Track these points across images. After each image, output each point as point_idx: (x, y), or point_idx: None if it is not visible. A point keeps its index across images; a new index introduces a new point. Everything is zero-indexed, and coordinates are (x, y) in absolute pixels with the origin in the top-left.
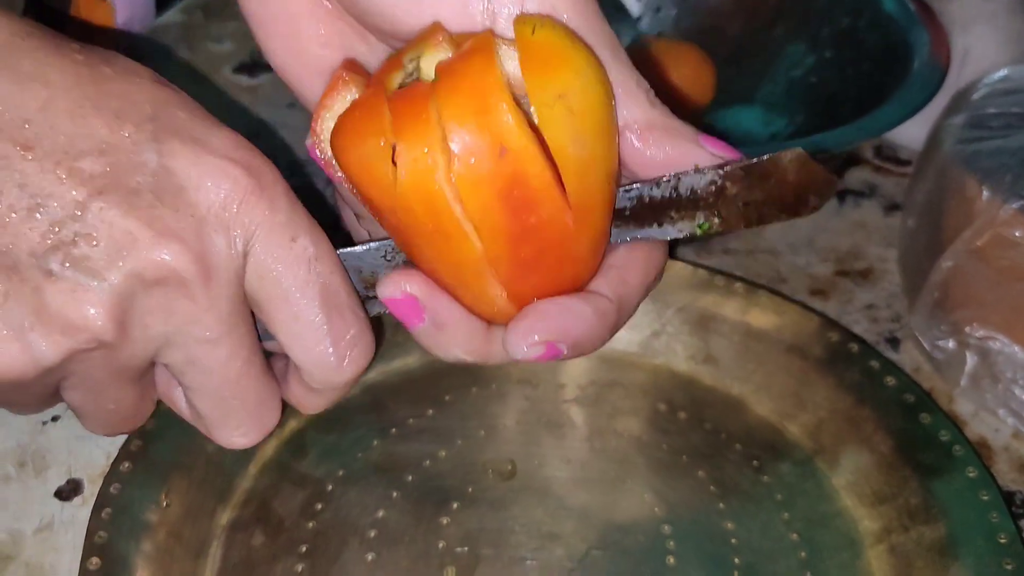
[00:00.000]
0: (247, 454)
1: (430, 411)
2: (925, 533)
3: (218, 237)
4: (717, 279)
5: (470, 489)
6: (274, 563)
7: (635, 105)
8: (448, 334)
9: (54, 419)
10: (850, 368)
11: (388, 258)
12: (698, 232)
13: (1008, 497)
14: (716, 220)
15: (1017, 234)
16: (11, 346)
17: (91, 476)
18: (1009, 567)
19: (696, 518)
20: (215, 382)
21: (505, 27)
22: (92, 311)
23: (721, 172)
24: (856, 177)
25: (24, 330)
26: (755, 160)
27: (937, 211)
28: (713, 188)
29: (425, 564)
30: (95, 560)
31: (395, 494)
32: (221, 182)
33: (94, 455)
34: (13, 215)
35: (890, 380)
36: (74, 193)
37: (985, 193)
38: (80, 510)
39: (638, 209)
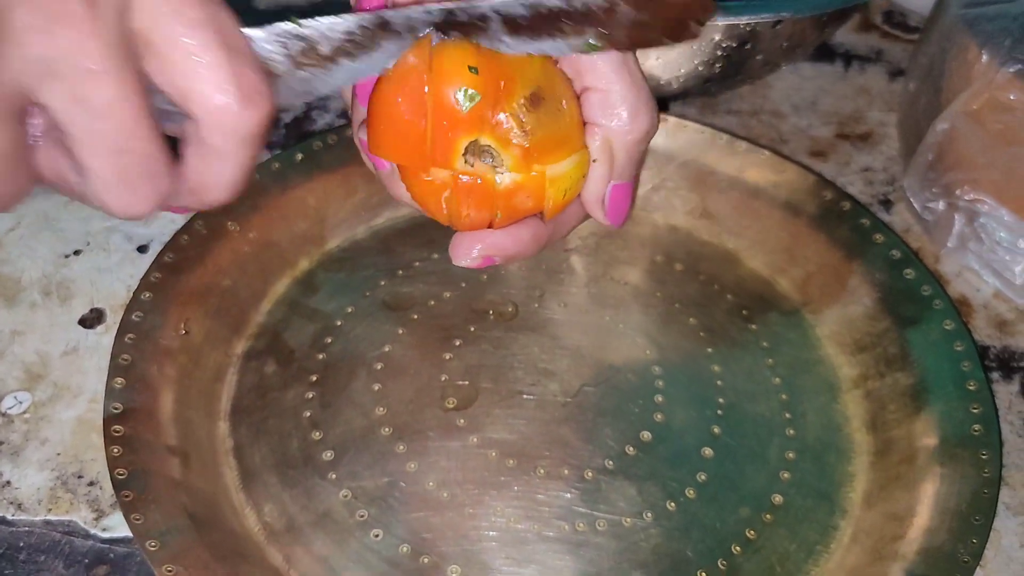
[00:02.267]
0: (260, 291)
1: (436, 255)
2: (900, 379)
3: None
4: (719, 137)
5: (472, 328)
6: (286, 390)
7: None
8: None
9: (76, 252)
10: (841, 225)
11: (285, 46)
12: (585, 49)
13: (983, 351)
14: (604, 38)
15: (1012, 97)
16: None
17: (112, 306)
18: (976, 410)
19: (685, 361)
20: (104, 126)
21: None
22: None
23: None
24: (863, 42)
25: None
26: None
27: (938, 74)
28: (606, 3)
29: (428, 395)
30: (120, 380)
31: (400, 331)
32: None
33: (115, 287)
34: None
35: (879, 237)
36: None
37: (984, 57)
38: (103, 337)
39: (533, 18)
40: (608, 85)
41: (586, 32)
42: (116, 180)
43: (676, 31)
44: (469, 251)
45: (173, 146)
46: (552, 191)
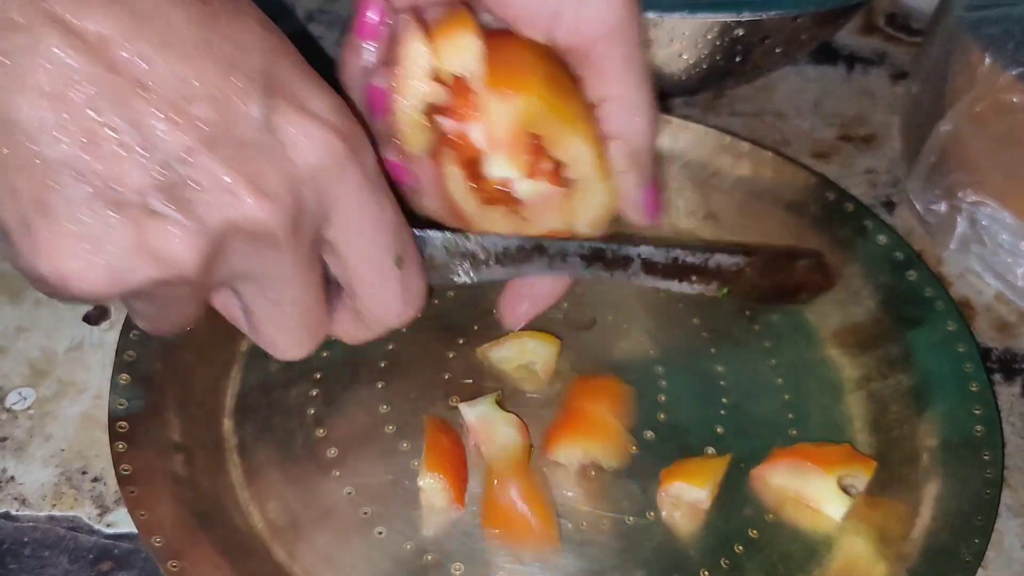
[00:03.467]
0: None
1: None
2: (902, 380)
3: (309, 196)
4: (722, 138)
5: (476, 327)
6: (290, 387)
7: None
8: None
9: None
10: (844, 226)
11: (449, 250)
12: (706, 294)
13: (985, 353)
14: (726, 291)
15: (1015, 100)
16: (101, 273)
17: (117, 303)
18: (978, 412)
19: (688, 360)
20: (283, 313)
21: None
22: (185, 250)
23: (747, 260)
24: (866, 44)
25: (118, 259)
26: (776, 257)
27: (941, 77)
28: (735, 269)
29: (431, 393)
30: (124, 376)
31: (404, 329)
32: (320, 145)
33: None
34: (124, 152)
35: (881, 239)
36: (185, 138)
37: (987, 59)
38: (108, 334)
39: (670, 266)
40: (623, 92)
41: (712, 283)
42: (283, 343)
43: (791, 298)
44: (518, 310)
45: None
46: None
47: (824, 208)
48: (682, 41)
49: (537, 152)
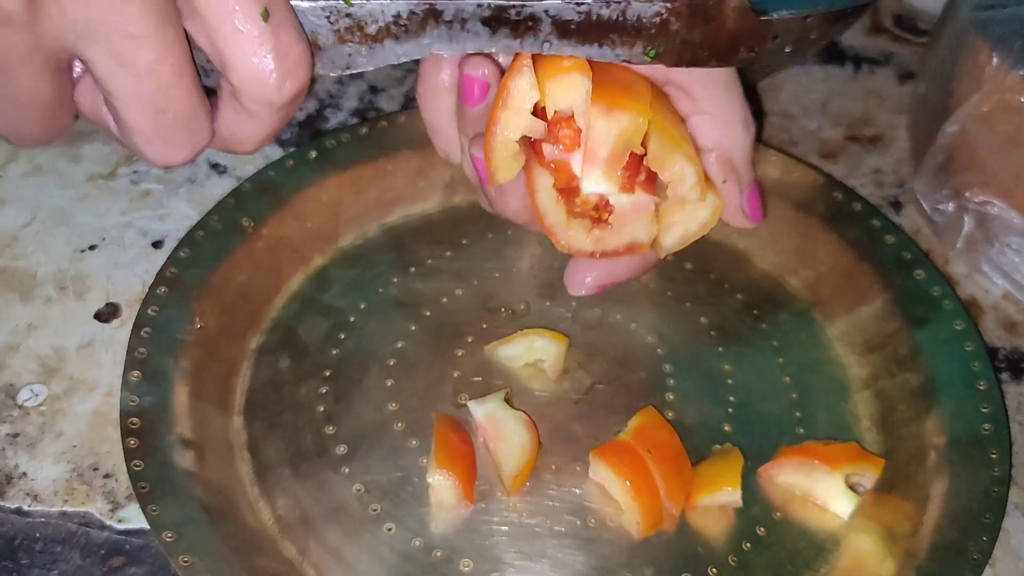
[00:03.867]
0: (273, 286)
1: (448, 253)
2: (910, 379)
3: None
4: None
5: (484, 325)
6: (299, 384)
7: None
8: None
9: (92, 247)
10: (852, 226)
11: (332, 21)
12: (642, 60)
13: (992, 352)
14: (652, 52)
15: (1022, 100)
16: None
17: (128, 301)
18: (986, 410)
19: (695, 359)
20: (145, 87)
21: None
22: None
23: (667, 5)
24: (873, 45)
25: None
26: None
27: (948, 77)
28: (658, 20)
29: (440, 391)
30: (136, 373)
31: (413, 327)
32: None
33: (131, 282)
34: None
35: (889, 238)
36: None
37: (995, 59)
38: (118, 331)
39: (584, 24)
40: (712, 107)
41: (636, 45)
42: (155, 135)
43: (727, 54)
44: (583, 279)
45: (210, 93)
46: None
47: (831, 208)
48: None
49: (633, 167)
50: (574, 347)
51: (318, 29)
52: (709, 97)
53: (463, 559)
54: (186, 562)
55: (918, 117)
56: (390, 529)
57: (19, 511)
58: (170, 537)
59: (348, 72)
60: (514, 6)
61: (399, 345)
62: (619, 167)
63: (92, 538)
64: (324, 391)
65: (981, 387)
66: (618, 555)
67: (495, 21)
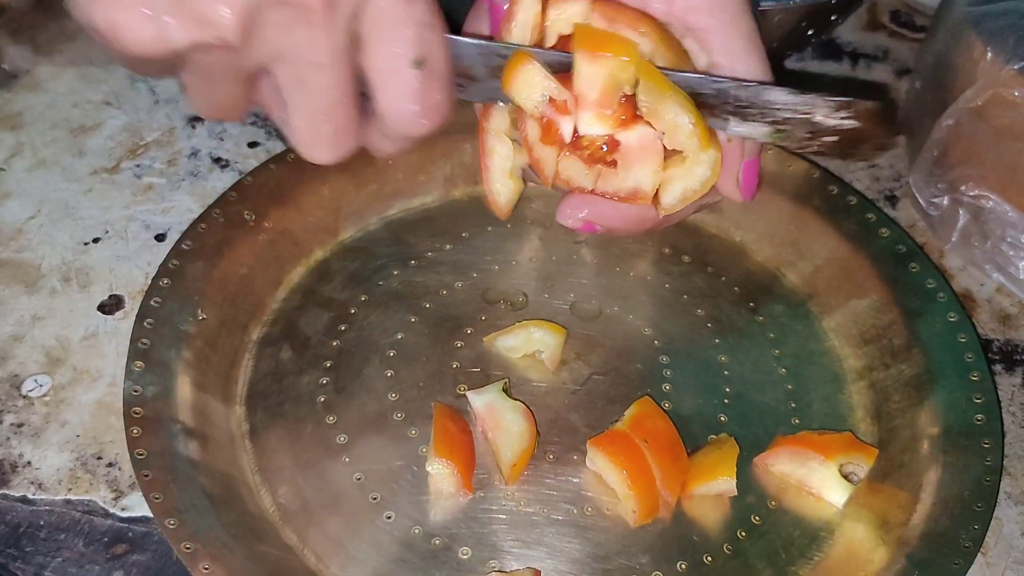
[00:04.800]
0: (275, 278)
1: (448, 246)
2: (904, 370)
3: None
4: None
5: (483, 317)
6: (301, 375)
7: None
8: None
9: (96, 240)
10: (848, 219)
11: (485, 57)
12: (762, 140)
13: (986, 344)
14: (781, 135)
15: (1016, 94)
16: (147, 25)
17: (131, 293)
18: (979, 400)
19: (692, 351)
20: (314, 104)
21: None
22: (225, 12)
23: (806, 99)
24: (871, 41)
25: (163, 15)
26: (837, 99)
27: (943, 72)
28: (795, 111)
29: (439, 382)
30: (139, 363)
31: (413, 319)
32: None
33: (134, 274)
34: None
35: (884, 231)
36: None
37: (989, 54)
38: (122, 323)
39: (717, 100)
40: (728, 62)
41: (766, 126)
42: (312, 138)
43: (850, 151)
44: (576, 212)
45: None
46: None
47: (827, 201)
48: None
49: (630, 109)
50: (572, 338)
51: (474, 64)
52: (727, 52)
53: (462, 547)
54: (188, 549)
55: (914, 112)
56: (390, 517)
57: (24, 499)
58: (172, 524)
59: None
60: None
61: (399, 336)
62: (610, 109)
63: (96, 526)
64: (325, 382)
65: (974, 378)
66: (614, 543)
67: None
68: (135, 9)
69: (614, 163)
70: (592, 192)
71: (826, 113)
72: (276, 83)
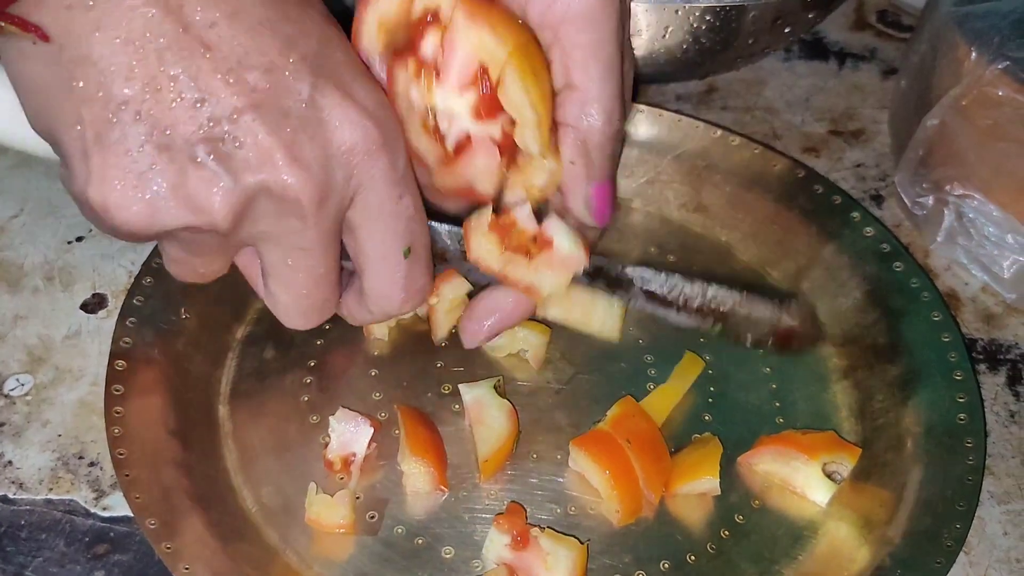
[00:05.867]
0: None
1: None
2: (888, 370)
3: (339, 173)
4: (713, 131)
5: None
6: (284, 375)
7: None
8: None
9: (79, 239)
10: (832, 219)
11: (459, 243)
12: (699, 328)
13: (971, 344)
14: (719, 328)
15: (1000, 93)
16: (141, 207)
17: (114, 292)
18: (962, 400)
19: (676, 350)
20: (298, 282)
21: None
22: (219, 201)
23: (741, 302)
24: (857, 40)
25: (157, 198)
26: (766, 305)
27: (929, 72)
28: (729, 308)
29: (423, 381)
30: (121, 362)
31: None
32: (356, 130)
33: (117, 273)
34: (179, 101)
35: (869, 231)
36: (235, 99)
37: (974, 53)
38: (105, 322)
39: (671, 297)
40: (583, 82)
41: (707, 319)
42: (293, 310)
43: (783, 346)
44: (479, 330)
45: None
46: None
47: (812, 201)
48: (668, 24)
49: (491, 102)
50: (556, 337)
51: (448, 247)
52: (584, 72)
53: (445, 546)
54: (168, 549)
55: (899, 111)
56: (372, 517)
57: (4, 499)
58: (153, 524)
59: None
60: (609, 265)
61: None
62: (469, 80)
63: (77, 526)
64: (308, 381)
65: (957, 377)
66: (598, 543)
67: (594, 272)
68: (130, 191)
69: (528, 254)
70: (499, 275)
71: (763, 312)
72: (262, 261)
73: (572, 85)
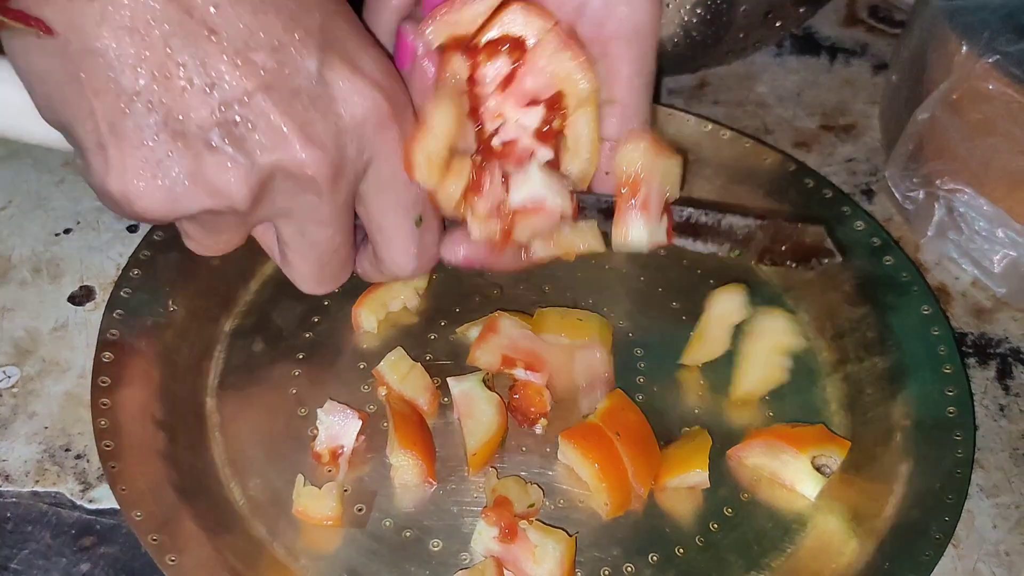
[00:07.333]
0: (248, 270)
1: None
2: (878, 363)
3: (351, 147)
4: (704, 125)
5: (457, 309)
6: (273, 367)
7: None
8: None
9: (67, 231)
10: (823, 212)
11: None
12: (719, 254)
13: (961, 338)
14: (737, 252)
15: (990, 87)
16: (161, 194)
17: (102, 284)
18: (951, 393)
19: (666, 343)
20: (315, 252)
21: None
22: (237, 184)
23: (758, 223)
24: (849, 36)
25: (176, 185)
26: (786, 223)
27: (920, 66)
28: (747, 231)
29: None
30: (108, 354)
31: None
32: (366, 102)
33: (105, 265)
34: (190, 87)
35: (859, 224)
36: (245, 82)
37: (964, 48)
38: (92, 314)
39: (684, 226)
40: (628, 98)
41: (724, 244)
42: (310, 277)
43: (801, 263)
44: (456, 248)
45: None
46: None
47: (803, 195)
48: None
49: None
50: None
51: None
52: (629, 88)
53: (433, 539)
54: (154, 540)
55: (890, 106)
56: (360, 510)
57: None
58: (139, 516)
59: None
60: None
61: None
62: (535, 98)
63: (63, 518)
64: (297, 373)
65: (947, 371)
66: (587, 535)
67: (609, 212)
68: (149, 180)
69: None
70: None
71: (774, 236)
72: (279, 235)
73: (615, 99)
